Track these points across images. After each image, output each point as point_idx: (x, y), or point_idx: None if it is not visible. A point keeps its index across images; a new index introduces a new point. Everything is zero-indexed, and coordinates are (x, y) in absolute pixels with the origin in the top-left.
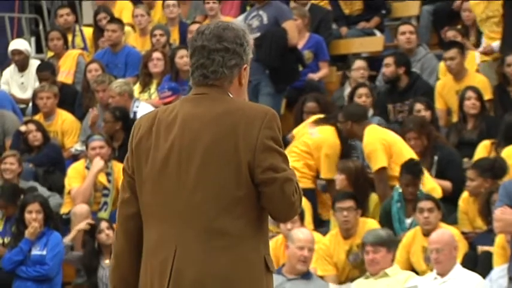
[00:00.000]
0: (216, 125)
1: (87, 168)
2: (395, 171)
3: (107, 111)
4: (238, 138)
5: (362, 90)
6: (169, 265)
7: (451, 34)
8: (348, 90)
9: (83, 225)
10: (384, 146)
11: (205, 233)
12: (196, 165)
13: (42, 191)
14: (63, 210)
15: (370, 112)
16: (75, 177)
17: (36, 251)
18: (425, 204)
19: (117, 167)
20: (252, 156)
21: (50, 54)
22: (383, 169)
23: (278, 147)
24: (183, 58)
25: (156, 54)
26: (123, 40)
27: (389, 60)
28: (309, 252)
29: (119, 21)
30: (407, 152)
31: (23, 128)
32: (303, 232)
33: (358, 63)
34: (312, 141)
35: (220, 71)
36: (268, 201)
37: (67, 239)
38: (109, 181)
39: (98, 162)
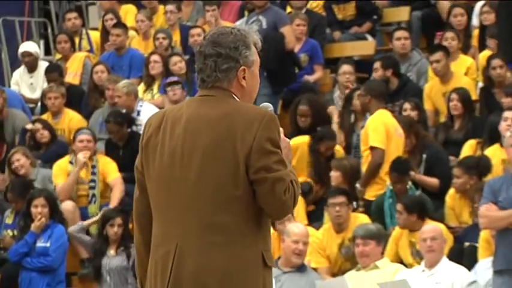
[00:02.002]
0: (215, 127)
1: (71, 163)
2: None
3: (108, 123)
4: (236, 140)
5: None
6: (171, 260)
7: (449, 35)
8: (337, 93)
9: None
10: (386, 131)
11: (204, 229)
12: (196, 164)
13: (43, 172)
14: None
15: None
16: (59, 174)
17: (40, 243)
18: (398, 206)
19: (102, 160)
20: (248, 157)
21: (58, 56)
22: (377, 149)
23: (274, 148)
24: (176, 64)
25: (154, 57)
26: (128, 43)
27: (377, 65)
28: (304, 246)
29: (123, 26)
30: (395, 151)
31: (28, 126)
32: (297, 226)
33: (344, 68)
34: None
35: (213, 75)
36: (261, 199)
37: (86, 223)
38: (94, 173)
39: (80, 159)
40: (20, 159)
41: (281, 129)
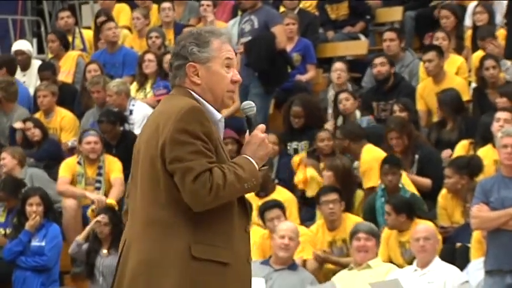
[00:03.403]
0: (151, 124)
1: (79, 163)
2: None
3: (102, 123)
4: (159, 134)
5: (342, 96)
6: (119, 255)
7: (440, 36)
8: (331, 92)
9: (93, 223)
10: (378, 165)
11: (141, 224)
12: (140, 163)
13: (39, 173)
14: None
15: (358, 114)
16: (66, 169)
17: (35, 242)
18: (386, 207)
19: (108, 160)
20: (163, 149)
21: (51, 54)
22: (374, 188)
23: (190, 138)
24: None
25: (148, 56)
26: (121, 40)
27: (383, 59)
28: (290, 241)
29: (113, 21)
30: None
31: (17, 125)
32: (285, 223)
33: (336, 66)
34: None
35: (171, 74)
36: (179, 190)
37: (80, 238)
38: (100, 174)
39: (102, 201)
40: (5, 158)
41: (262, 126)
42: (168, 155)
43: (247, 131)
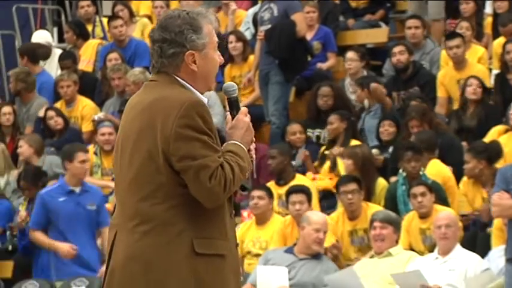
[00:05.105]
0: (143, 114)
1: (96, 154)
2: None
3: (122, 112)
4: (157, 128)
5: (351, 88)
6: (109, 249)
7: (464, 25)
8: (347, 80)
9: None
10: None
11: (132, 218)
12: (128, 154)
13: (49, 158)
14: None
15: (366, 103)
16: None
17: None
18: (417, 189)
19: None
20: (167, 145)
21: (69, 44)
22: None
23: (197, 134)
24: None
25: None
26: (140, 29)
27: (402, 47)
28: (324, 235)
29: (118, 17)
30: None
31: (41, 114)
32: (318, 215)
33: (347, 55)
34: None
35: (159, 61)
36: (189, 187)
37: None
38: None
39: None
40: (22, 146)
41: (245, 109)
42: (176, 153)
43: (230, 113)
